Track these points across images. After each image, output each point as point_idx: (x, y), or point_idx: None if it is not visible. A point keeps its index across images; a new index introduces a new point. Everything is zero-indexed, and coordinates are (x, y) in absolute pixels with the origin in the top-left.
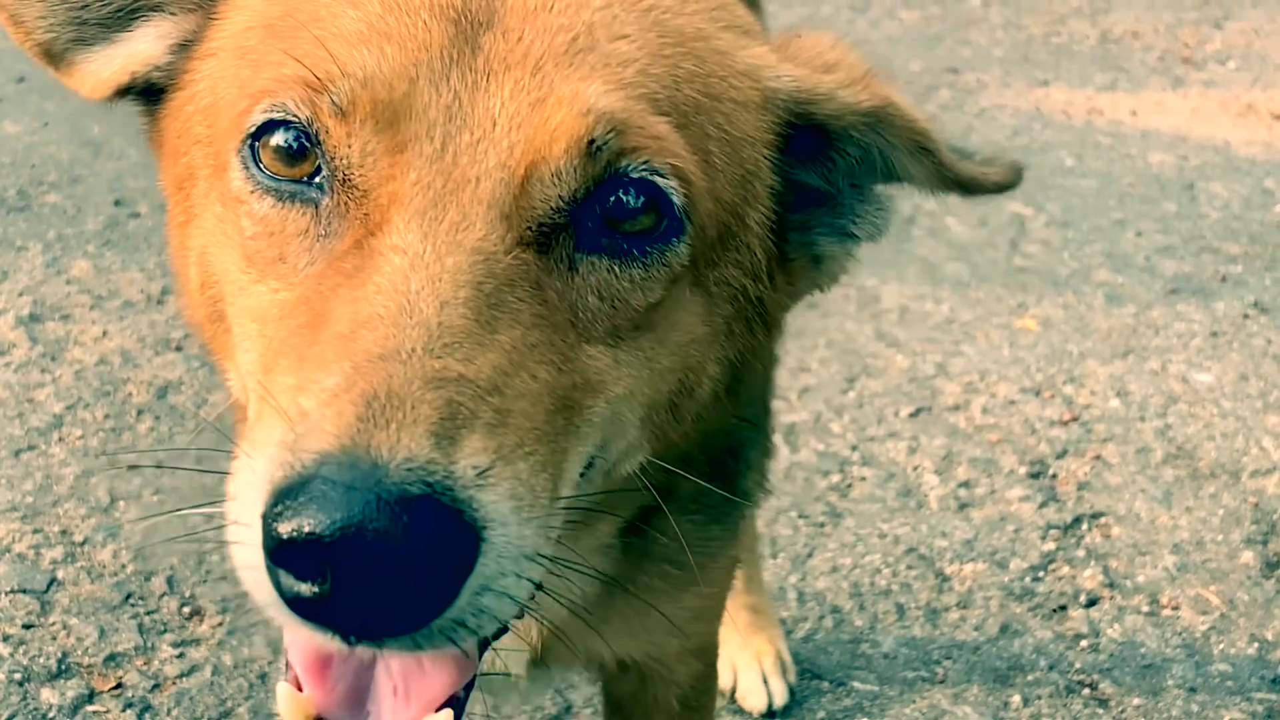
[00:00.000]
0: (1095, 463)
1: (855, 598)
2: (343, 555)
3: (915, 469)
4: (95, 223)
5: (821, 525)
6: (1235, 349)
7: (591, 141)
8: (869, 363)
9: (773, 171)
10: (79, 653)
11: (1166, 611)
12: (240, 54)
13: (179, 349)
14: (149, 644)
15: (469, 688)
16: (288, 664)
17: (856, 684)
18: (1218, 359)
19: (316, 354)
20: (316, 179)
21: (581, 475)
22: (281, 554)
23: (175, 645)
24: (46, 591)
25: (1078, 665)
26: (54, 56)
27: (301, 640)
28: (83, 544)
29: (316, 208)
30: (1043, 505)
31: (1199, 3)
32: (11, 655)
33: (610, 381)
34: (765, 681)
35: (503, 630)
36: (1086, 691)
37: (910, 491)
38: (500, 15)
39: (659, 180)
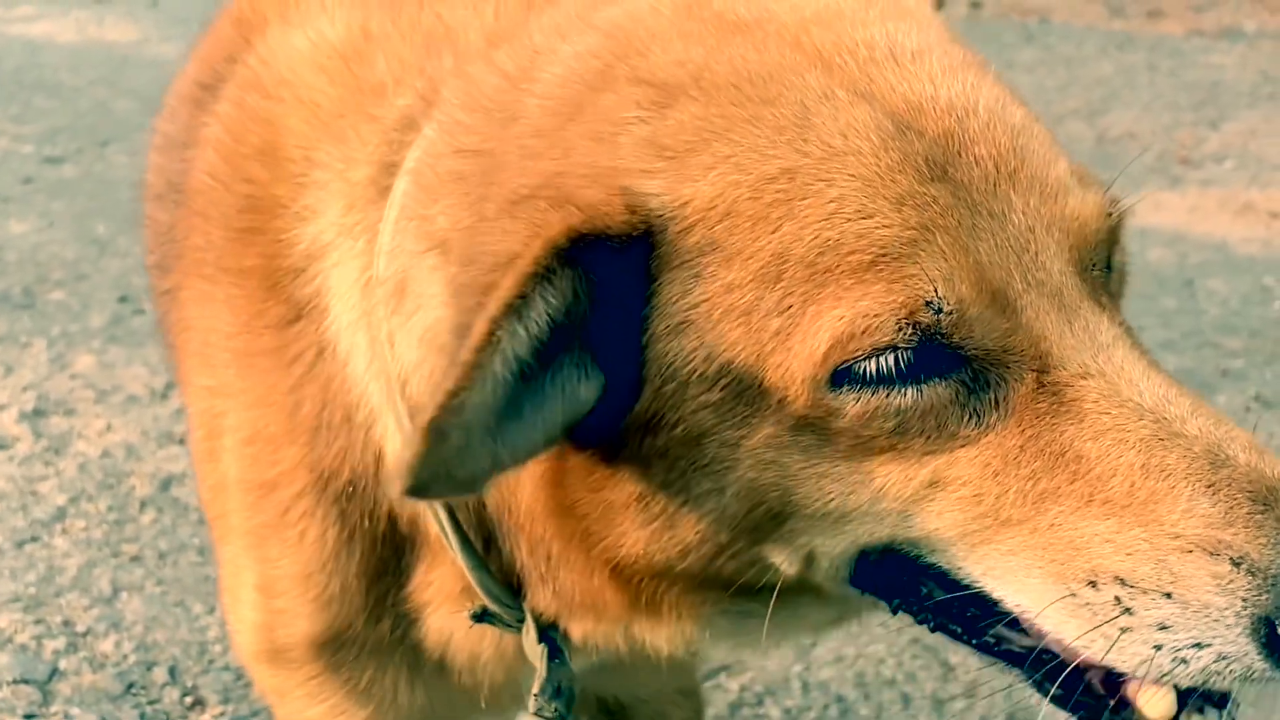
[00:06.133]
0: None
1: (860, 687)
2: None
3: None
4: (100, 319)
5: None
6: None
7: (1109, 214)
8: None
9: None
10: None
11: None
12: (734, 315)
13: (181, 442)
14: None
15: None
16: None
17: None
18: None
19: (1133, 494)
20: (937, 365)
21: None
22: None
23: None
24: (48, 682)
25: None
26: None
27: None
28: (85, 634)
29: (951, 377)
30: None
31: (1196, 104)
32: None
33: None
34: None
35: None
36: None
37: None
38: (949, 149)
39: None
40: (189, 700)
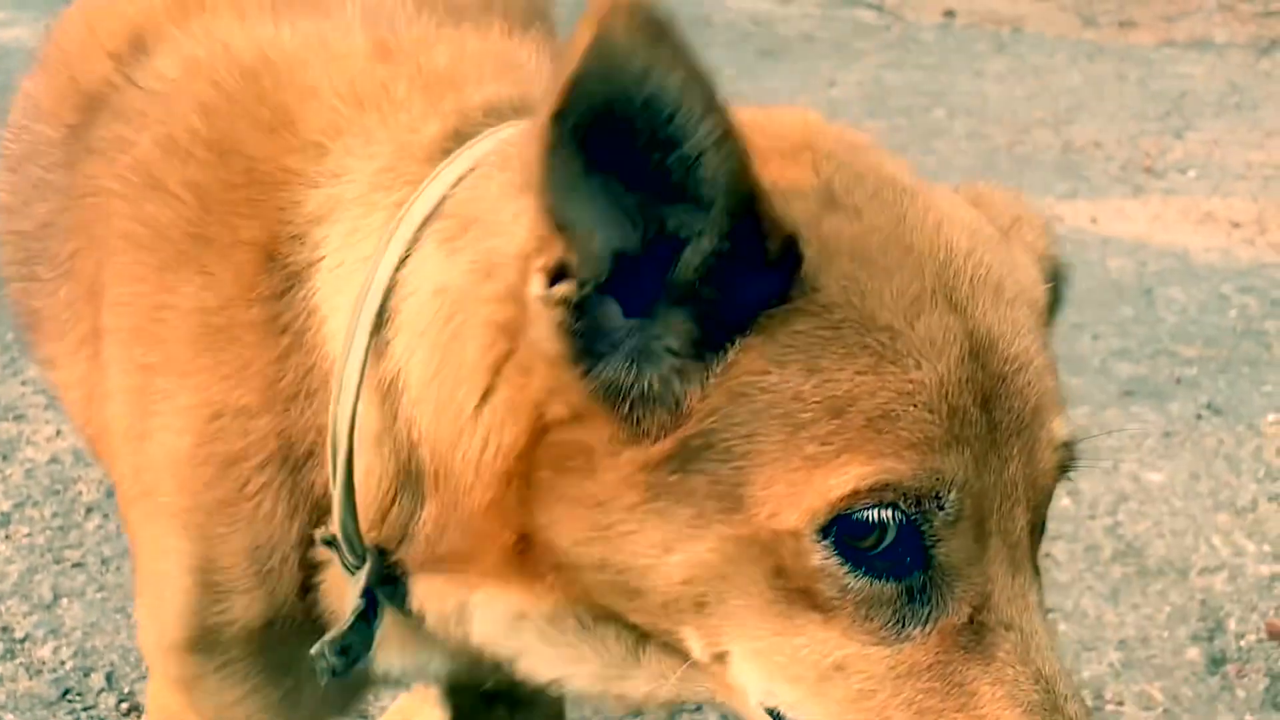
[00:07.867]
0: (1044, 561)
1: None
2: None
3: None
4: None
5: None
6: (1187, 449)
7: (1065, 466)
8: None
9: None
10: None
11: (1110, 707)
12: (787, 421)
13: None
14: None
15: None
16: None
17: None
18: (1170, 458)
19: None
20: (906, 559)
21: None
22: None
23: None
24: None
25: None
26: None
27: None
28: (23, 640)
29: (906, 579)
30: None
31: (1161, 113)
32: None
33: None
34: None
35: None
36: None
37: None
38: (997, 390)
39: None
40: (125, 706)
